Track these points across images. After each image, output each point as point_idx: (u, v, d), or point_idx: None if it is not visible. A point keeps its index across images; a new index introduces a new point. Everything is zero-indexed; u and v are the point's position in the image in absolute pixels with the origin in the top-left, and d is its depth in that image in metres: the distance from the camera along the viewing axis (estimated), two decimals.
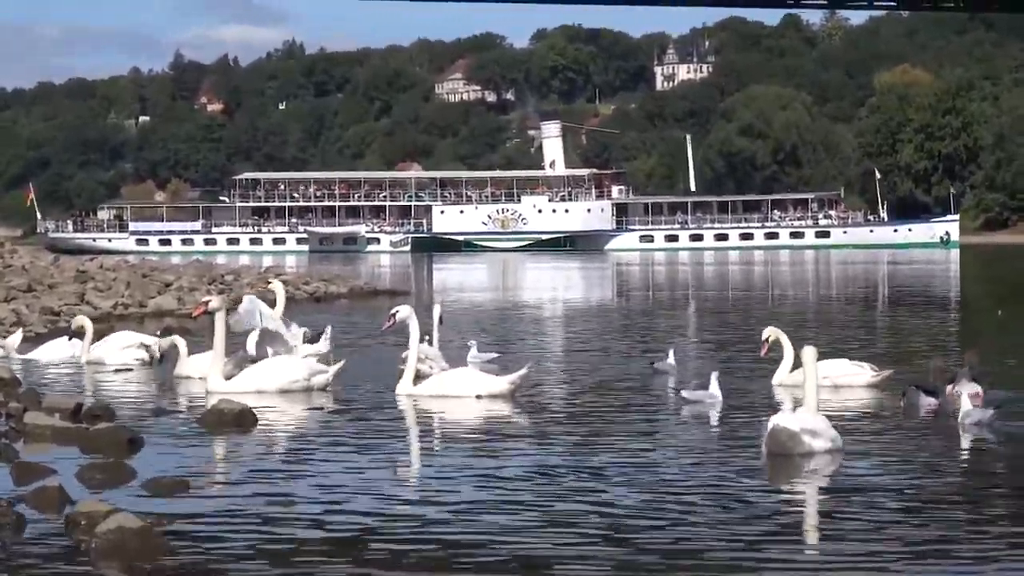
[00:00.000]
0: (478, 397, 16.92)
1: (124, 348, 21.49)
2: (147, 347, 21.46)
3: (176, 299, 34.76)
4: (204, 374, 18.17)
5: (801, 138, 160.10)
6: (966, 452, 13.54)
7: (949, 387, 15.80)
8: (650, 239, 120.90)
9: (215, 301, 18.40)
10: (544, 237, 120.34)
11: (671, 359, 19.94)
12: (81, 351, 21.65)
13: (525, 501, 10.94)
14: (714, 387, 16.30)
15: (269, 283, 20.57)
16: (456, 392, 17.08)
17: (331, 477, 11.95)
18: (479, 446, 13.76)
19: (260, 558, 9.26)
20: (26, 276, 35.74)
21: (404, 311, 17.74)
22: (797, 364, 16.86)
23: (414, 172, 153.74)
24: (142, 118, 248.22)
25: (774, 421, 12.85)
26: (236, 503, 10.92)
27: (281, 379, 17.75)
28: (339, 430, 14.84)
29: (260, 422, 14.97)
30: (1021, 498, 11.24)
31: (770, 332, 17.71)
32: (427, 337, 20.30)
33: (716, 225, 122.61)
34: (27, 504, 10.49)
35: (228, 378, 17.76)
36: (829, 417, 13.49)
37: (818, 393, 13.42)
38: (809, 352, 13.47)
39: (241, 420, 14.78)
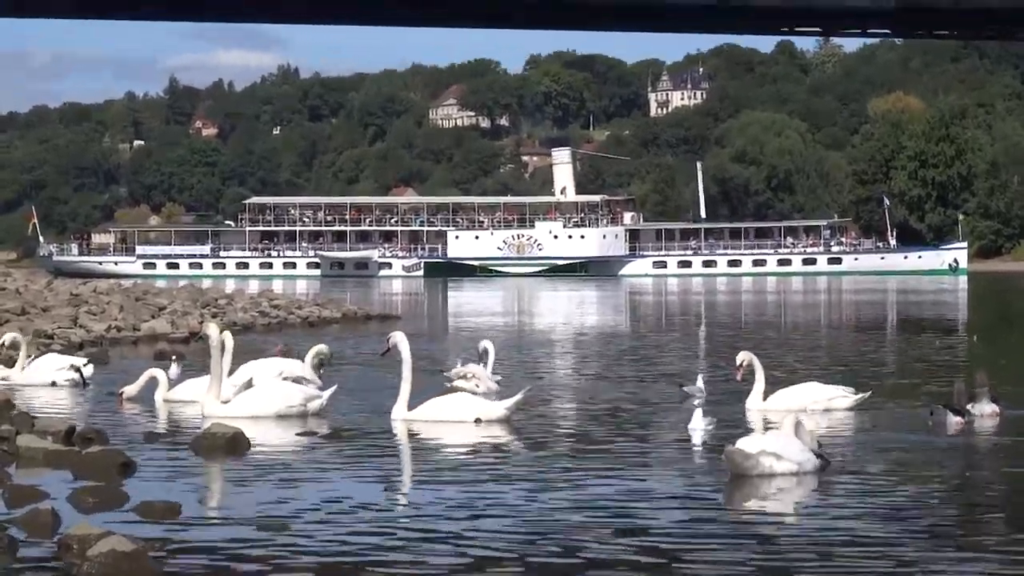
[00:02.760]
0: (477, 421, 16.89)
1: (57, 369, 21.64)
2: (77, 369, 21.53)
3: (169, 323, 34.70)
4: (198, 398, 18.13)
5: (795, 165, 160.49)
6: (945, 473, 13.55)
7: (968, 406, 16.82)
8: (663, 265, 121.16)
9: (211, 328, 18.36)
10: (560, 263, 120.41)
11: (700, 383, 19.90)
12: (14, 370, 21.87)
13: (516, 530, 10.90)
14: (697, 419, 16.24)
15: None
16: (451, 417, 17.05)
17: (323, 502, 11.90)
18: (471, 473, 13.69)
19: None
20: (19, 299, 35.70)
21: (396, 337, 17.78)
22: (769, 391, 17.84)
23: (425, 197, 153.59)
24: (136, 142, 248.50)
25: (737, 442, 12.98)
26: (228, 528, 10.89)
27: (277, 404, 17.70)
28: (332, 455, 14.80)
29: (253, 447, 14.93)
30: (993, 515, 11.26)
31: (743, 357, 17.88)
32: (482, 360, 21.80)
33: (729, 251, 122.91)
34: (19, 527, 10.45)
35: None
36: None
37: (798, 425, 13.43)
38: (788, 421, 13.55)
39: (234, 445, 14.74)
